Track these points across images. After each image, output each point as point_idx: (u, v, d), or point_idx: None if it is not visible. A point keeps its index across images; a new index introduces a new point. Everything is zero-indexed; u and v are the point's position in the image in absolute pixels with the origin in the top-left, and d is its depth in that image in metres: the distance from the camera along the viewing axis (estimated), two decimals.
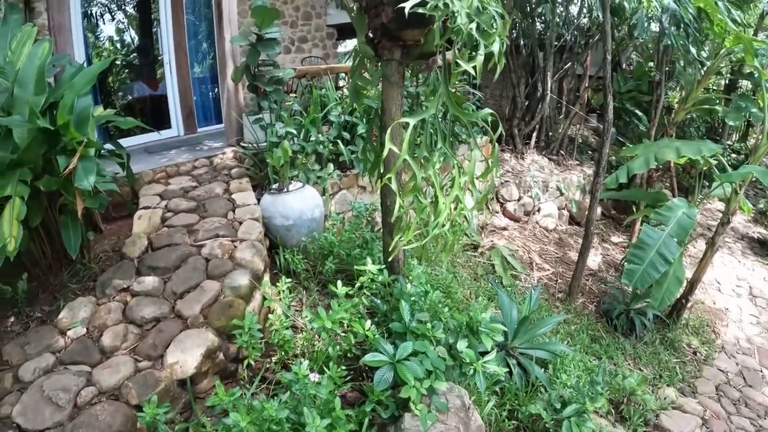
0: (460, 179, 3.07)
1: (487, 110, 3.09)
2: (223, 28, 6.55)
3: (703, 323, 8.22)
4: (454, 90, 3.35)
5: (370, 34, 3.67)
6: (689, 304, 8.20)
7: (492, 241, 8.61)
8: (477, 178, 8.95)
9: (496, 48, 2.65)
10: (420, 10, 2.73)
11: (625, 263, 6.93)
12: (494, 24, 2.70)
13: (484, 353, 3.58)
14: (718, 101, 10.73)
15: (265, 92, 6.10)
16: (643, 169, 7.57)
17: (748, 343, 8.17)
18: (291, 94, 7.02)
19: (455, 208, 3.22)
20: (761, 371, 7.55)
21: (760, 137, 7.35)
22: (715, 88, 14.92)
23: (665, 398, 6.20)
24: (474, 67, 2.69)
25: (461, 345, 3.36)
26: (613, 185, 8.00)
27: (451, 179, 3.26)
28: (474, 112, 3.02)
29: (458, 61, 2.76)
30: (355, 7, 3.65)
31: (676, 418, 5.88)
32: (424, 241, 3.14)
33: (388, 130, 3.10)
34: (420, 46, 3.50)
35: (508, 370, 4.56)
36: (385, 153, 2.95)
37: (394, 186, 3.15)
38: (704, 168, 8.23)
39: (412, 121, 2.95)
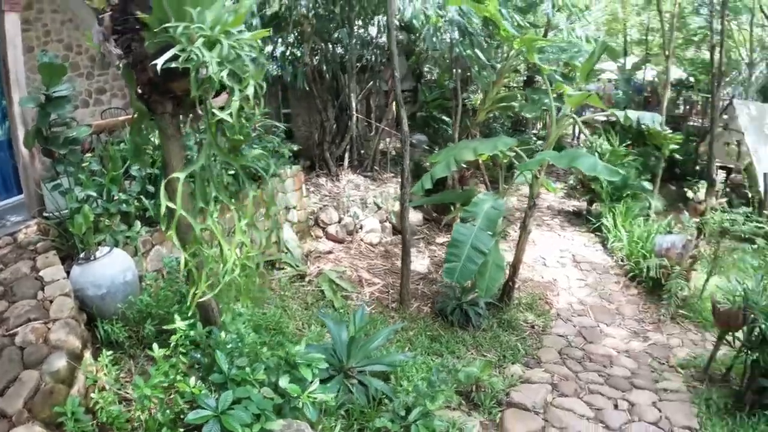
0: (241, 223, 3.27)
1: (258, 151, 3.34)
2: (11, 88, 6.19)
3: (535, 298, 9.22)
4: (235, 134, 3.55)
5: (140, 90, 3.77)
6: (517, 285, 9.13)
7: (319, 267, 8.98)
8: (293, 208, 9.18)
9: (250, 91, 2.90)
10: (173, 65, 2.90)
11: (445, 262, 7.53)
12: (247, 69, 2.96)
13: (325, 380, 3.82)
14: (516, 97, 11.99)
15: (60, 155, 5.89)
16: (445, 173, 8.29)
17: (580, 305, 9.37)
18: (88, 153, 6.80)
19: (242, 253, 3.43)
20: (598, 326, 8.77)
21: (552, 126, 8.36)
22: (515, 85, 16.55)
23: (512, 375, 6.94)
24: (231, 114, 2.91)
25: (283, 381, 3.56)
26: (420, 192, 8.71)
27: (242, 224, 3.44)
28: (243, 156, 3.25)
29: (213, 110, 2.97)
30: (121, 64, 3.73)
31: (526, 391, 6.58)
32: (215, 290, 3.30)
33: (162, 185, 3.24)
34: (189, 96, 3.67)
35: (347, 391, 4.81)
36: (162, 209, 3.08)
37: (176, 241, 3.28)
38: (504, 161, 9.17)
39: (181, 175, 3.12)
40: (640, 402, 6.71)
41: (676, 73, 24.12)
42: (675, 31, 20.37)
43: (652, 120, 8.43)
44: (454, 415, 5.78)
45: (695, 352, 8.04)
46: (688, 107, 22.97)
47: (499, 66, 11.03)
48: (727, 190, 13.04)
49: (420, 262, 10.10)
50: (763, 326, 6.18)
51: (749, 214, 9.04)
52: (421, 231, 11.40)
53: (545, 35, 11.51)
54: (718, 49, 13.12)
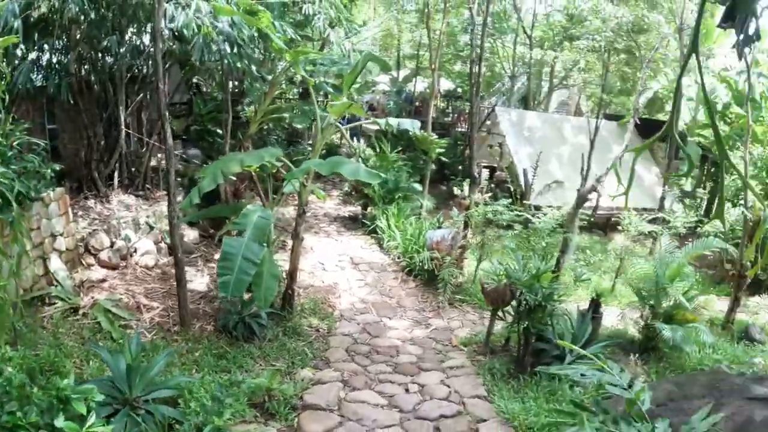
0: None
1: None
2: None
3: (318, 303, 9.73)
4: None
5: None
6: (297, 292, 9.63)
7: (93, 297, 8.51)
8: (59, 235, 8.60)
9: None
10: None
11: (218, 277, 7.61)
12: None
13: (111, 415, 3.74)
14: (288, 109, 12.37)
15: None
16: (212, 186, 8.32)
17: (362, 303, 10.04)
18: None
19: None
20: (381, 321, 9.50)
21: (318, 135, 8.83)
22: (291, 97, 16.97)
23: (303, 380, 7.31)
24: None
25: (59, 421, 3.44)
26: (189, 208, 8.69)
27: None
28: None
29: None
30: None
31: (318, 392, 7.01)
32: None
33: None
34: None
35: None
36: None
37: None
38: (273, 171, 9.46)
39: None
40: (430, 382, 7.50)
41: (446, 84, 26.70)
42: (444, 47, 22.84)
43: (411, 125, 9.37)
44: (250, 427, 6.05)
45: (475, 330, 9.19)
46: (456, 115, 25.51)
47: (270, 78, 11.33)
48: (492, 186, 14.77)
49: (199, 281, 10.02)
50: (527, 298, 7.19)
51: (508, 205, 10.37)
52: (199, 248, 11.31)
53: (322, 49, 12.09)
54: (477, 63, 14.80)
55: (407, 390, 7.31)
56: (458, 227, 10.67)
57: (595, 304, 8.65)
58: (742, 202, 13.72)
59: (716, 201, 17.94)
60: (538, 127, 17.74)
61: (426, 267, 10.44)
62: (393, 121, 9.30)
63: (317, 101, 9.01)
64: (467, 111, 23.93)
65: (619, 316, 9.50)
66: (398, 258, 11.75)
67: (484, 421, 6.62)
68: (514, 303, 7.81)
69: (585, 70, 22.61)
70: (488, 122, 18.38)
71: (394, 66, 25.43)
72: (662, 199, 15.41)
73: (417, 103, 24.52)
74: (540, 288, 7.21)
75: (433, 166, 18.34)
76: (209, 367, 7.31)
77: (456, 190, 11.28)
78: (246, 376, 7.01)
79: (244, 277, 7.49)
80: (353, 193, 14.69)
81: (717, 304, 11.74)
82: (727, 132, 17.87)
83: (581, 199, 8.66)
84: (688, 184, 16.93)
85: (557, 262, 8.73)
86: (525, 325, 7.37)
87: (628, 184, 3.13)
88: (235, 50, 9.53)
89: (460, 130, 22.31)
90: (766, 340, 10.11)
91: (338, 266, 11.64)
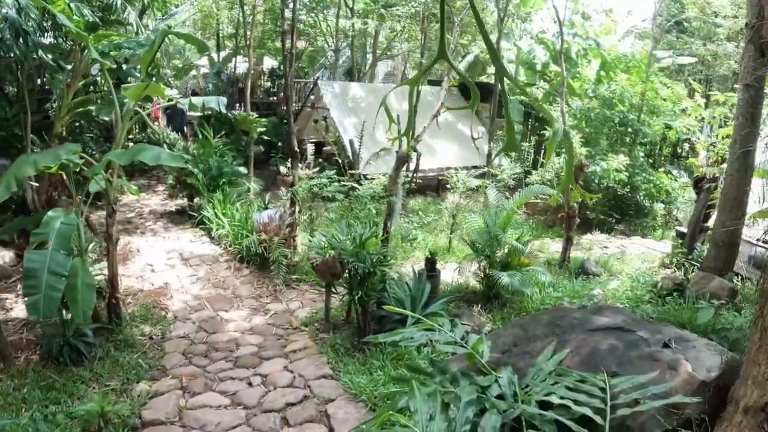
0: None
1: None
2: None
3: (148, 308, 8.91)
4: None
5: None
6: (126, 300, 8.76)
7: None
8: None
9: None
10: None
11: (24, 297, 6.64)
12: None
13: None
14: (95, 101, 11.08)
15: None
16: (5, 196, 7.20)
17: (196, 300, 9.32)
18: None
19: None
20: (217, 315, 8.84)
21: (118, 123, 7.94)
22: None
23: (140, 395, 6.56)
24: None
25: None
26: None
27: None
28: None
29: None
30: None
31: (156, 405, 6.36)
32: None
33: None
34: None
35: None
36: None
37: None
38: (75, 170, 8.42)
39: None
40: (273, 371, 7.05)
41: (270, 63, 25.85)
42: (265, 23, 21.95)
43: (217, 103, 8.72)
44: None
45: (315, 308, 8.82)
46: (282, 94, 24.74)
47: (69, 67, 10.06)
48: (320, 161, 14.40)
49: (21, 307, 8.79)
50: (356, 266, 6.89)
51: (332, 177, 10.05)
52: (17, 270, 9.96)
53: (136, 34, 10.96)
54: (289, 35, 14.17)
55: (250, 384, 6.84)
56: (284, 206, 10.21)
57: (431, 263, 8.60)
58: (563, 150, 14.46)
59: (543, 152, 19.17)
60: (363, 97, 17.59)
61: (257, 251, 9.90)
62: (197, 99, 8.62)
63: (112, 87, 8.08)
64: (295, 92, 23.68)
65: (456, 270, 9.54)
66: (229, 246, 11.07)
67: (332, 400, 6.34)
68: (346, 274, 7.52)
69: (407, 40, 22.84)
70: (312, 97, 17.96)
71: (214, 47, 24.17)
72: (489, 155, 15.90)
73: (240, 85, 23.48)
74: (367, 255, 6.94)
75: (261, 148, 17.76)
76: (38, 402, 6.40)
77: (282, 169, 10.77)
78: (79, 404, 6.20)
79: (54, 293, 6.59)
80: (177, 185, 13.72)
81: (552, 247, 12.30)
82: (548, 89, 18.93)
83: (400, 161, 8.51)
84: None
85: (384, 227, 8.55)
86: (359, 295, 7.07)
87: (406, 131, 2.84)
88: (20, 39, 8.30)
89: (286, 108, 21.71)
90: (602, 271, 10.68)
91: (168, 265, 10.76)
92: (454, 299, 8.51)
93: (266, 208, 10.79)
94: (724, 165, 10.45)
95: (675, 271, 10.06)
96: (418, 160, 9.50)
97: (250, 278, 10.05)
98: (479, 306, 8.63)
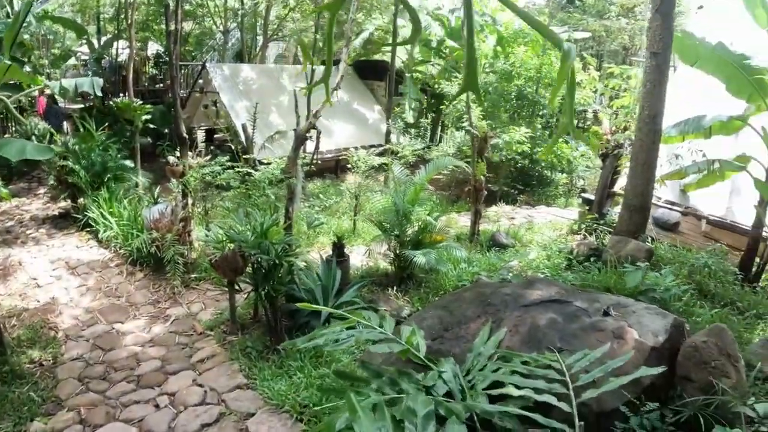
0: None
1: None
2: None
3: (36, 329, 7.85)
4: None
5: None
6: (10, 323, 7.68)
7: None
8: None
9: None
10: None
11: None
12: None
13: None
14: None
15: None
16: None
17: (88, 313, 8.34)
18: None
19: None
20: (113, 329, 7.85)
21: None
22: None
23: None
24: None
25: None
26: None
27: None
28: None
29: None
30: None
31: None
32: None
33: None
34: None
35: None
36: None
37: None
38: None
39: None
40: (180, 387, 6.28)
41: (155, 48, 24.03)
42: (149, 5, 20.05)
43: (91, 85, 7.65)
44: None
45: (220, 307, 8.08)
46: (169, 81, 23.08)
47: None
48: (212, 148, 13.39)
49: None
50: (259, 259, 6.17)
51: (224, 162, 9.19)
52: None
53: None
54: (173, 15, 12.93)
55: (157, 406, 6.03)
56: (176, 199, 9.26)
57: (339, 248, 7.99)
58: (465, 124, 14.29)
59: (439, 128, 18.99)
60: (254, 79, 16.59)
61: (149, 251, 8.93)
62: (68, 82, 7.55)
63: None
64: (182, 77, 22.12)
65: (366, 253, 8.97)
66: (120, 249, 9.96)
67: (252, 415, 5.67)
68: (249, 268, 6.77)
69: (299, 20, 21.81)
70: (200, 81, 16.73)
71: (95, 32, 22.08)
72: (388, 133, 15.41)
73: (123, 72, 21.61)
74: (270, 245, 6.22)
75: (149, 139, 16.45)
76: None
77: (171, 159, 9.76)
78: None
79: None
80: (59, 185, 12.33)
81: (459, 221, 11.96)
82: (443, 65, 18.56)
83: (299, 140, 7.79)
84: (410, 117, 17.14)
85: (286, 212, 7.85)
86: (266, 291, 6.35)
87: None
88: None
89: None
90: (513, 242, 10.41)
91: (54, 276, 9.56)
92: (366, 284, 7.95)
93: (156, 202, 9.75)
94: (626, 132, 10.50)
95: (585, 237, 9.96)
96: (318, 138, 8.79)
97: (145, 282, 9.08)
98: (394, 288, 8.13)
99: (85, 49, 23.80)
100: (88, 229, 11.03)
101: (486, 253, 9.67)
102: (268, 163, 8.99)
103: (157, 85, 22.57)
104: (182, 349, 7.13)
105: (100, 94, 8.51)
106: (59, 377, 6.80)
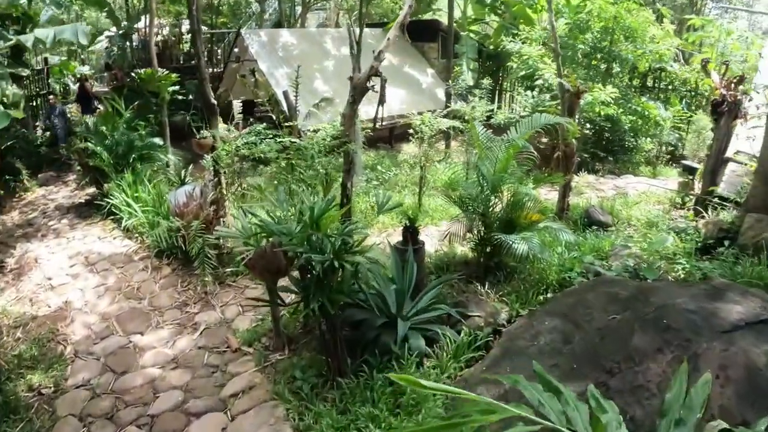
0: None
1: None
2: None
3: (41, 344, 6.27)
4: None
5: None
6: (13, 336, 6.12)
7: None
8: None
9: None
10: None
11: None
12: None
13: None
14: None
15: None
16: None
17: (103, 321, 6.69)
18: None
19: None
20: (130, 342, 6.13)
21: None
22: None
23: None
24: None
25: None
26: None
27: None
28: None
29: None
30: None
31: None
32: None
33: None
34: None
35: None
36: None
37: None
38: None
39: None
40: None
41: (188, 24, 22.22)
42: None
43: (74, 33, 5.82)
44: None
45: (261, 312, 6.21)
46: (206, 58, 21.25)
47: None
48: (251, 121, 11.47)
49: None
50: (311, 260, 4.18)
51: (261, 131, 7.27)
52: None
53: None
54: None
55: None
56: (206, 178, 7.38)
57: (412, 233, 5.93)
58: (539, 82, 12.10)
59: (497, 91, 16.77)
60: (294, 44, 14.58)
61: (175, 242, 7.07)
62: (44, 32, 5.72)
63: None
64: (219, 48, 20.27)
65: (444, 237, 6.89)
66: (145, 239, 8.15)
67: None
68: (297, 270, 4.79)
69: None
70: (236, 50, 14.79)
71: (122, 10, 20.26)
72: (448, 96, 13.28)
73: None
74: (325, 239, 4.23)
75: (187, 116, 14.63)
76: None
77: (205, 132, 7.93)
78: None
79: None
80: (79, 170, 10.62)
81: (541, 194, 9.73)
82: (500, 22, 16.34)
83: (358, 90, 5.74)
84: (469, 78, 14.89)
85: (343, 189, 5.83)
86: (320, 302, 4.33)
87: None
88: None
89: (212, 70, 18.31)
90: (611, 218, 8.23)
91: (70, 275, 7.86)
92: (452, 281, 5.88)
93: (183, 183, 7.83)
94: (741, 86, 8.18)
95: (701, 214, 7.74)
96: (383, 88, 6.55)
97: (172, 279, 7.24)
98: (480, 283, 6.05)
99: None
100: (113, 217, 9.27)
101: (583, 233, 7.50)
102: (316, 131, 6.94)
103: (192, 61, 20.72)
104: (212, 373, 5.32)
105: (84, 42, 6.90)
106: (58, 413, 5.14)
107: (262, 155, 6.66)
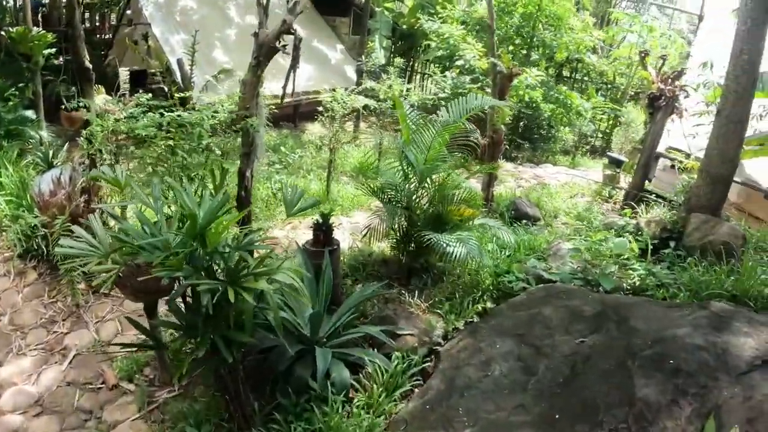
0: None
1: None
2: None
3: None
4: None
5: None
6: None
7: None
8: None
9: None
10: None
11: None
12: None
13: None
14: None
15: None
16: None
17: None
18: None
19: None
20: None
21: None
22: None
23: None
24: None
25: None
26: None
27: None
28: None
29: None
30: None
31: None
32: None
33: None
34: None
35: None
36: None
37: None
38: None
39: None
40: None
41: None
42: None
43: None
44: None
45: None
46: (97, 22, 18.80)
47: None
48: (140, 92, 9.80)
49: None
50: (195, 285, 3.03)
51: (143, 103, 5.83)
52: None
53: None
54: None
55: None
56: (75, 160, 5.91)
57: (325, 231, 4.83)
58: (459, 63, 11.19)
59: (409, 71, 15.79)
60: (194, 8, 12.84)
61: (36, 242, 5.59)
62: None
63: None
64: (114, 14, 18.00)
65: (362, 232, 5.81)
66: (8, 235, 6.53)
67: None
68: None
69: None
70: (129, 12, 12.89)
71: None
72: (360, 73, 12.12)
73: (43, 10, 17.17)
74: (215, 256, 3.05)
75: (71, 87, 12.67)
76: None
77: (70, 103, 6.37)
78: None
79: None
80: None
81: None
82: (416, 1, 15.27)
83: (265, 51, 4.51)
84: (381, 57, 13.80)
85: (241, 179, 4.62)
86: (212, 341, 3.17)
87: None
88: None
89: (102, 36, 16.08)
90: (539, 212, 7.48)
91: None
92: (377, 292, 4.82)
93: (50, 167, 6.25)
94: (678, 82, 7.69)
95: (624, 208, 7.23)
96: (296, 49, 5.13)
97: (38, 288, 5.71)
98: (403, 288, 5.08)
99: None
100: None
101: (512, 228, 6.64)
102: (212, 105, 5.61)
103: (83, 26, 18.29)
104: (84, 422, 4.05)
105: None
106: None
107: (139, 134, 5.26)
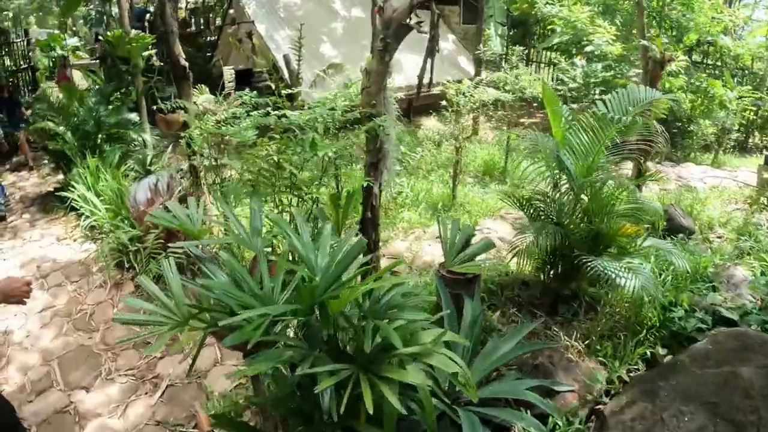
0: None
1: None
2: None
3: None
4: None
5: None
6: None
7: None
8: None
9: None
10: None
11: None
12: None
13: None
14: None
15: None
16: None
17: (45, 364, 4.73)
18: None
19: None
20: (70, 404, 4.18)
21: None
22: None
23: None
24: None
25: None
26: None
27: None
28: None
29: None
30: None
31: None
32: None
33: None
34: None
35: None
36: None
37: None
38: None
39: None
40: None
41: None
42: None
43: None
44: None
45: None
46: (202, 25, 19.00)
47: None
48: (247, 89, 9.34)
49: None
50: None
51: (247, 102, 5.21)
52: None
53: None
54: None
55: None
56: (173, 167, 5.38)
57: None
58: (589, 48, 9.98)
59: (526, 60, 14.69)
60: (298, 4, 12.35)
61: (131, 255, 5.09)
62: None
63: None
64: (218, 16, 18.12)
65: (512, 256, 4.80)
66: (110, 243, 6.14)
67: None
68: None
69: None
70: (232, 12, 12.65)
71: None
72: (479, 63, 11.16)
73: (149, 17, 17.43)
74: (338, 331, 2.21)
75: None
76: None
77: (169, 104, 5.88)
78: None
79: None
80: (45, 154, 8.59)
81: None
82: None
83: (395, 30, 3.63)
84: (498, 46, 12.79)
85: (366, 195, 3.79)
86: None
87: None
88: None
89: (209, 38, 16.07)
90: (693, 224, 6.24)
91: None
92: (540, 348, 3.83)
93: (148, 173, 5.78)
94: None
95: None
96: (434, 27, 4.07)
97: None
98: (551, 320, 4.10)
99: None
100: (77, 211, 7.24)
101: (674, 244, 5.42)
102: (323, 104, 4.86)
103: (188, 29, 18.47)
104: None
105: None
106: None
107: (238, 138, 4.56)
